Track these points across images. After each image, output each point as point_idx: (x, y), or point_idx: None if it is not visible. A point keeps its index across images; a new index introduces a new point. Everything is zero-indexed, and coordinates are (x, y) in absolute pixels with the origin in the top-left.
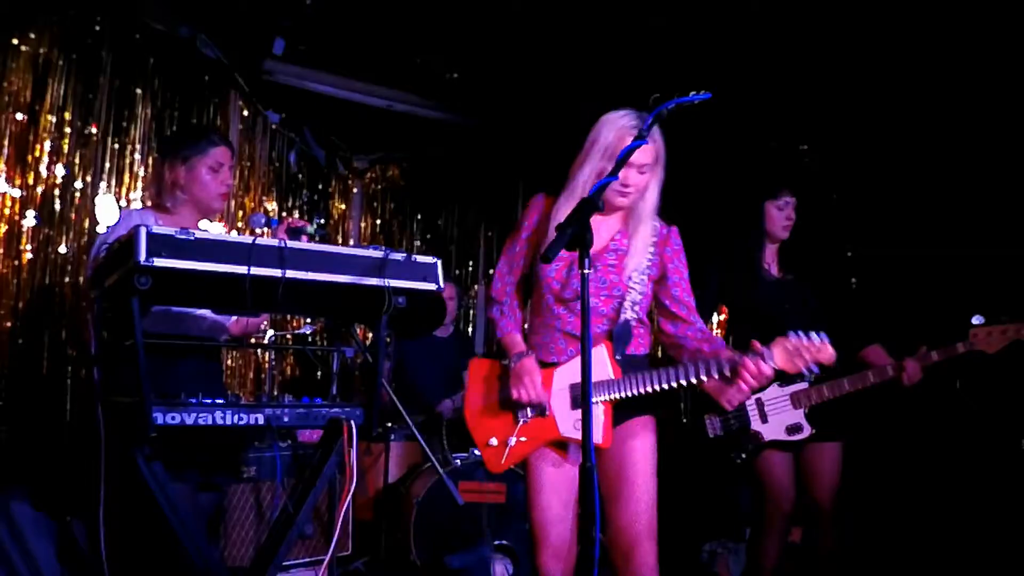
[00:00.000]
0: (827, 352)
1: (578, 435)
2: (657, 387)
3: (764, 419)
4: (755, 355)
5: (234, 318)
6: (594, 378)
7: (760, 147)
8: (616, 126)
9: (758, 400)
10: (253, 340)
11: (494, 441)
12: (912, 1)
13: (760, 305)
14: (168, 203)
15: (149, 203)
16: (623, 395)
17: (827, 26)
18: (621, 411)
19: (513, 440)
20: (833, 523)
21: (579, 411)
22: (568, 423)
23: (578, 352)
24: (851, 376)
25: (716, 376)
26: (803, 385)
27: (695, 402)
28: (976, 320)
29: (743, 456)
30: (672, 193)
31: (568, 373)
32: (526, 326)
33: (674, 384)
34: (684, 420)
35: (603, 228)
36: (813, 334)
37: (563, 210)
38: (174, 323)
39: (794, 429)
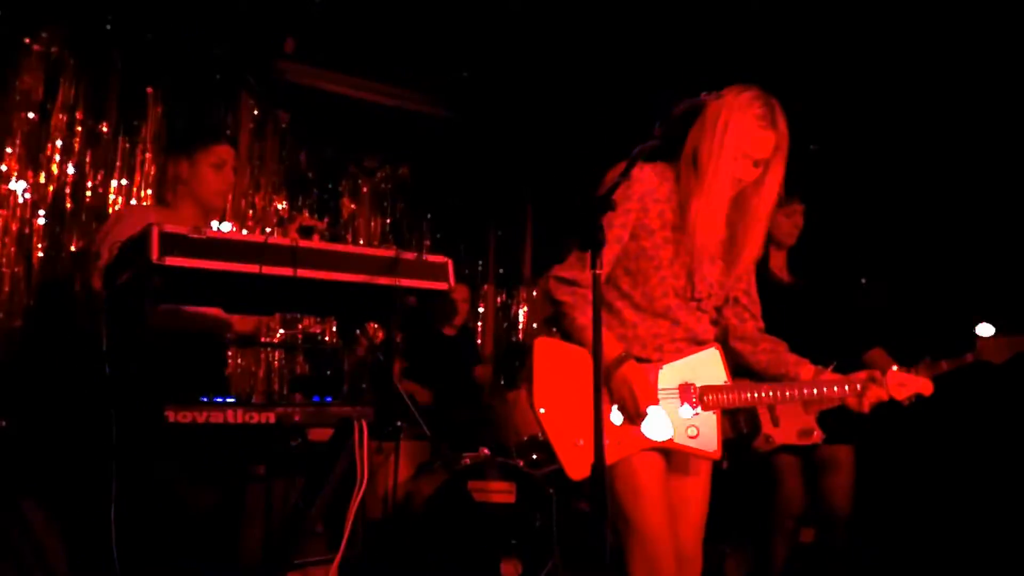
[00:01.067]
0: (928, 387)
1: (692, 443)
2: (776, 399)
3: (775, 422)
4: (879, 382)
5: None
6: (710, 380)
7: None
8: (744, 117)
9: (769, 404)
10: (264, 339)
11: (583, 442)
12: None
13: (769, 312)
14: (169, 197)
15: (147, 202)
16: (740, 405)
17: (827, 25)
18: None
19: (609, 443)
20: (847, 526)
21: (693, 416)
22: (680, 429)
23: (689, 348)
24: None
25: (844, 396)
26: None
27: None
28: (982, 330)
29: (753, 460)
30: None
31: (678, 371)
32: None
33: (797, 397)
34: None
35: (719, 223)
36: (914, 369)
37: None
38: (183, 320)
39: (805, 433)
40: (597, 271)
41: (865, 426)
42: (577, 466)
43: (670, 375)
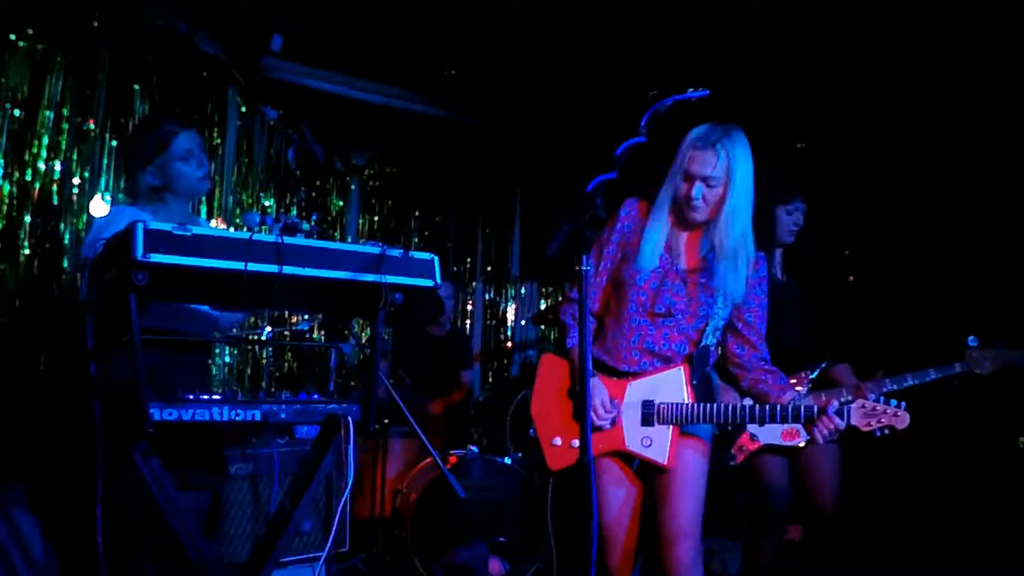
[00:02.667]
0: (903, 420)
1: (645, 452)
2: (727, 422)
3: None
4: (835, 410)
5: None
6: (668, 399)
7: (770, 148)
8: (687, 142)
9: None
10: (252, 336)
11: (558, 441)
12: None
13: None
14: (152, 205)
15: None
16: (694, 420)
17: (830, 25)
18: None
19: (576, 443)
20: (835, 525)
21: (649, 428)
22: (636, 438)
23: (657, 367)
24: (830, 390)
25: (792, 424)
26: (802, 391)
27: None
28: (971, 342)
29: (737, 459)
30: None
31: (643, 387)
32: (602, 328)
33: (748, 422)
34: None
35: (692, 246)
36: (893, 401)
37: (651, 224)
38: (172, 319)
39: (790, 434)
40: (585, 268)
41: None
42: (553, 460)
43: (636, 391)
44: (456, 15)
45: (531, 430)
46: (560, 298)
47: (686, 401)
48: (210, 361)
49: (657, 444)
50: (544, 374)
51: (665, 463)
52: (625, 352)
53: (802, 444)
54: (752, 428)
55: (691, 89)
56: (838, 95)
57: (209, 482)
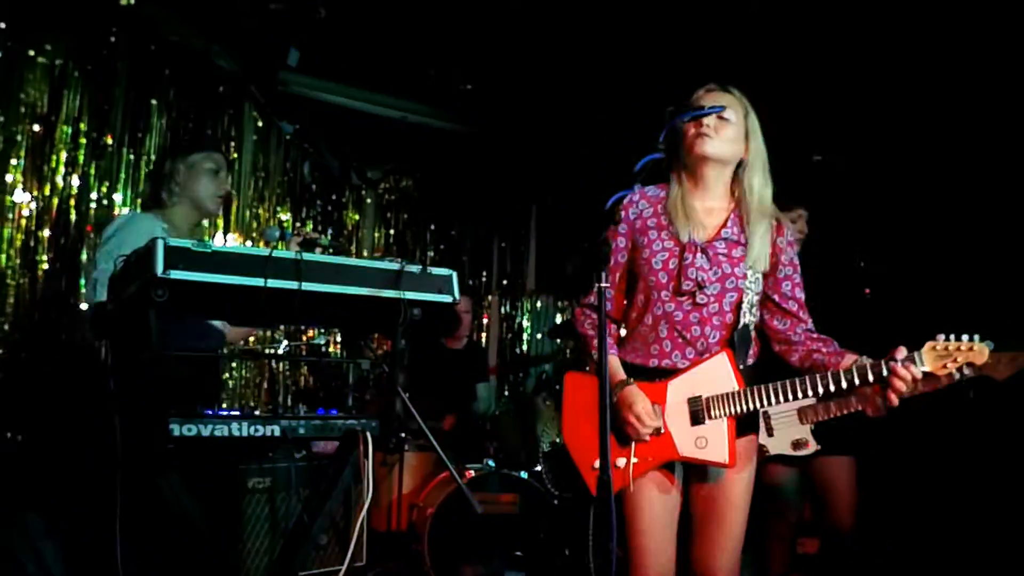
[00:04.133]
0: (982, 353)
1: (701, 454)
2: (792, 398)
3: (770, 432)
4: (905, 359)
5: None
6: (717, 390)
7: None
8: (693, 97)
9: (764, 413)
10: (268, 351)
11: (597, 465)
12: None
13: None
14: (163, 199)
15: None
16: (751, 407)
17: (840, 34)
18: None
19: (623, 462)
20: (853, 539)
21: (700, 427)
22: (688, 442)
23: (693, 359)
24: (859, 395)
25: (868, 382)
26: (810, 400)
27: None
28: (987, 346)
29: None
30: None
31: (685, 384)
32: (623, 332)
33: (819, 392)
34: None
35: (711, 215)
36: (965, 336)
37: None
38: (177, 332)
39: (799, 444)
40: (604, 285)
41: (867, 437)
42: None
43: (677, 389)
44: (471, 29)
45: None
46: (576, 313)
47: (736, 388)
48: (226, 375)
49: (713, 443)
50: (571, 395)
51: (727, 462)
52: (654, 344)
53: (811, 453)
54: (762, 439)
55: (708, 106)
56: (854, 106)
57: (227, 496)
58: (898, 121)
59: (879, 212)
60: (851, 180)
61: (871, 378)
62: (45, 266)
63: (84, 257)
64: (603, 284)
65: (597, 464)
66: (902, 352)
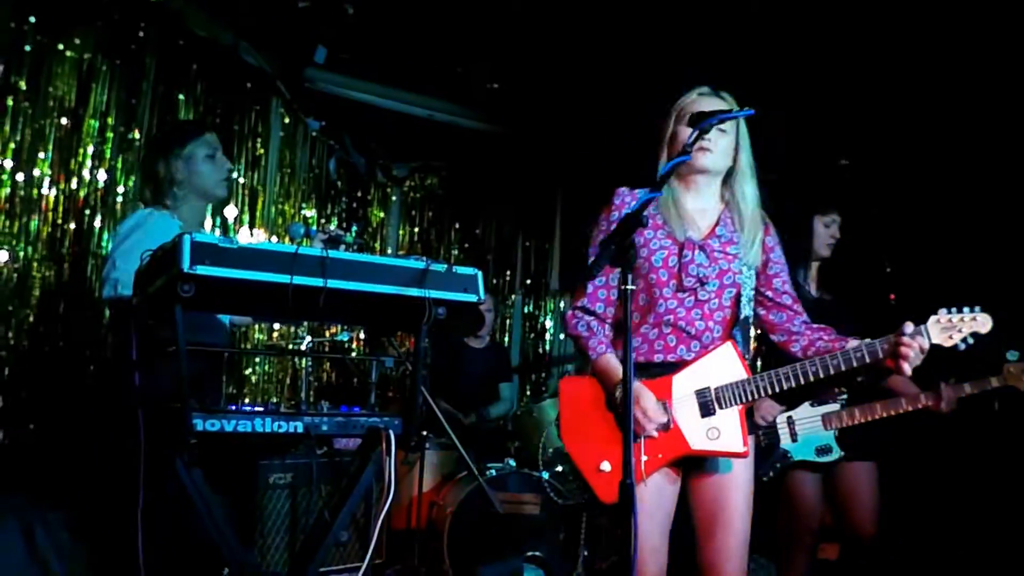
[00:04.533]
0: (985, 322)
1: (715, 447)
2: (803, 380)
3: (794, 438)
4: (913, 332)
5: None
6: (724, 380)
7: (807, 162)
8: (684, 97)
9: (789, 418)
10: (291, 347)
11: (607, 466)
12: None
13: None
14: (168, 200)
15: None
16: (762, 394)
17: (871, 41)
18: None
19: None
20: (874, 545)
21: (711, 419)
22: (700, 434)
23: (698, 352)
24: (883, 401)
25: (878, 358)
26: (835, 407)
27: None
28: (1010, 356)
29: (770, 474)
30: None
31: (691, 376)
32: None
33: (830, 373)
34: None
35: (703, 214)
36: (967, 308)
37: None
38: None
39: (823, 450)
40: (630, 287)
41: (888, 442)
42: (606, 490)
43: (684, 382)
44: (499, 27)
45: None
46: (567, 315)
47: (745, 376)
48: (249, 371)
49: (726, 433)
50: (568, 400)
51: (743, 451)
52: (658, 340)
53: (835, 459)
54: (786, 444)
55: (736, 108)
56: (881, 110)
57: (248, 492)
58: (923, 121)
59: (906, 216)
60: (878, 183)
61: (880, 354)
62: (70, 259)
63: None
64: (629, 287)
65: (602, 466)
66: (910, 327)
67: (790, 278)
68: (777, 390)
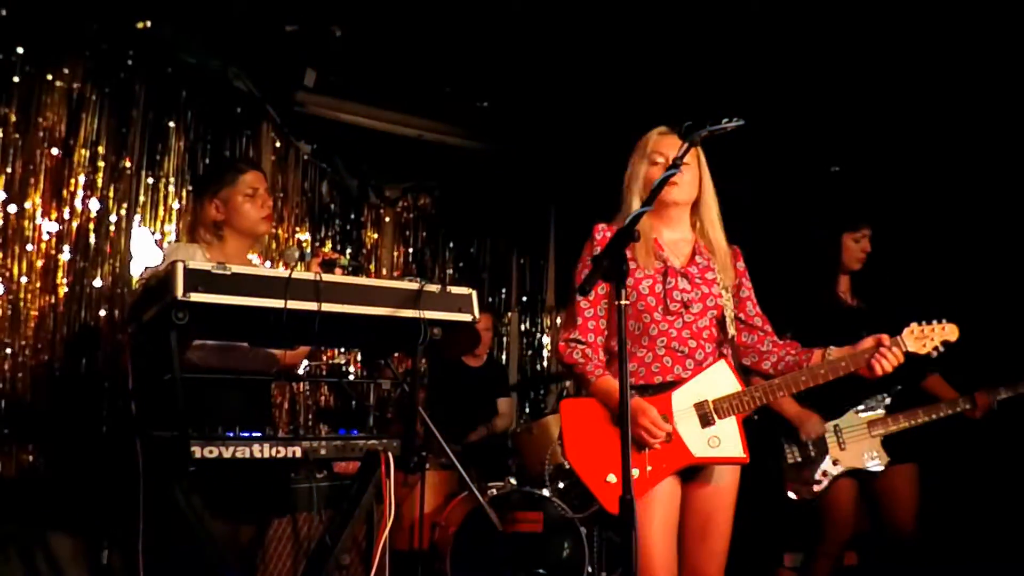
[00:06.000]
0: (952, 331)
1: (716, 453)
2: (796, 389)
3: (842, 446)
4: (892, 342)
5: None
6: (721, 392)
7: (821, 173)
8: (646, 138)
9: (836, 427)
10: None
11: (613, 478)
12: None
13: (836, 335)
14: (209, 238)
15: (186, 238)
16: (757, 404)
17: (861, 46)
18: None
19: (636, 472)
20: (914, 545)
21: (710, 428)
22: (701, 443)
23: (693, 369)
24: (925, 407)
25: (863, 361)
26: (880, 412)
27: (770, 420)
28: None
29: (823, 486)
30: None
31: (689, 392)
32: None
33: (813, 383)
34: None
35: (679, 244)
36: (935, 320)
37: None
38: (223, 356)
39: (871, 458)
40: (624, 302)
41: (930, 445)
42: (613, 500)
43: (683, 397)
44: (487, 46)
45: (577, 480)
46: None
47: (739, 388)
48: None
49: (727, 440)
50: (570, 420)
51: (743, 456)
52: (655, 362)
53: (884, 467)
54: (835, 453)
55: (726, 118)
56: (875, 117)
57: (249, 518)
58: (918, 126)
59: (944, 225)
60: (915, 194)
61: (842, 372)
62: (65, 289)
63: (99, 283)
64: (624, 301)
65: (609, 478)
66: (886, 339)
67: (825, 292)
68: (771, 400)
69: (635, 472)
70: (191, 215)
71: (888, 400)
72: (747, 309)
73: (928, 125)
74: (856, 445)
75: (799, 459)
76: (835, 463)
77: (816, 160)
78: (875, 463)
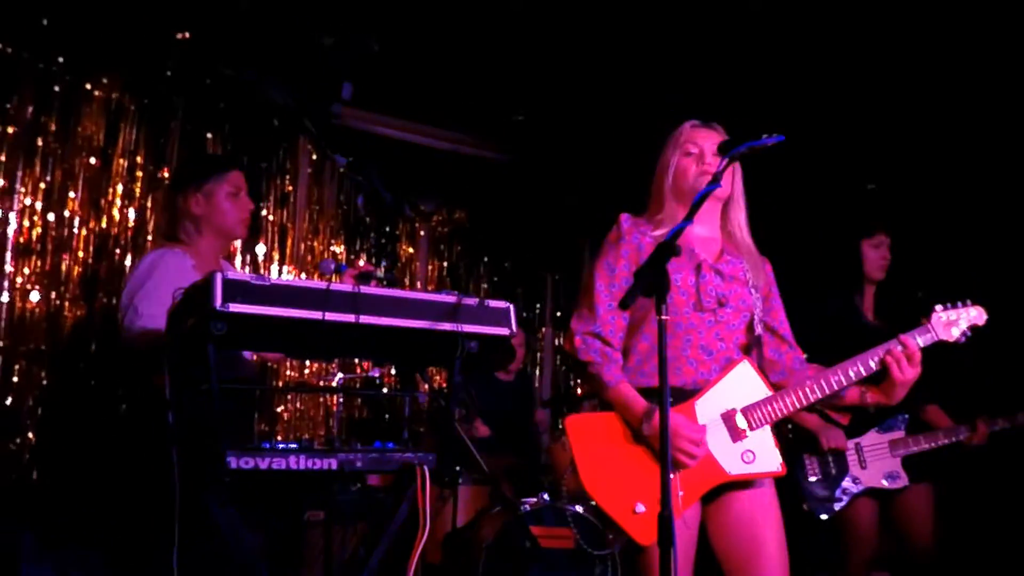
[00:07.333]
0: (981, 314)
1: (751, 469)
2: (828, 391)
3: (863, 465)
4: (920, 328)
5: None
6: (749, 399)
7: (845, 187)
8: (678, 140)
9: (857, 445)
10: (322, 383)
11: (642, 508)
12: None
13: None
14: (183, 235)
15: (163, 240)
16: (790, 409)
17: (894, 65)
18: None
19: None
20: (933, 567)
21: (743, 442)
22: (735, 459)
23: (716, 374)
24: (925, 434)
25: (874, 368)
26: (900, 433)
27: (791, 435)
28: None
29: (844, 502)
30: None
31: (714, 400)
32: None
33: (841, 381)
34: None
35: (708, 242)
36: (959, 302)
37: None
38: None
39: (891, 477)
40: (664, 317)
41: (947, 465)
42: (643, 531)
43: (707, 407)
44: (522, 60)
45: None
46: (577, 340)
47: (768, 393)
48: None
49: (762, 454)
50: (580, 441)
51: (781, 470)
52: (678, 363)
53: (902, 487)
54: (855, 471)
55: (765, 135)
56: (910, 135)
57: (284, 529)
58: (956, 142)
59: (939, 239)
60: (910, 207)
61: (876, 363)
62: (103, 299)
63: None
64: (664, 317)
65: (637, 508)
66: (912, 333)
67: (844, 307)
68: (803, 404)
69: (642, 508)
70: (169, 210)
71: (908, 419)
72: (777, 318)
73: (949, 139)
74: (877, 464)
75: (820, 476)
76: (855, 481)
77: (837, 173)
78: (896, 482)
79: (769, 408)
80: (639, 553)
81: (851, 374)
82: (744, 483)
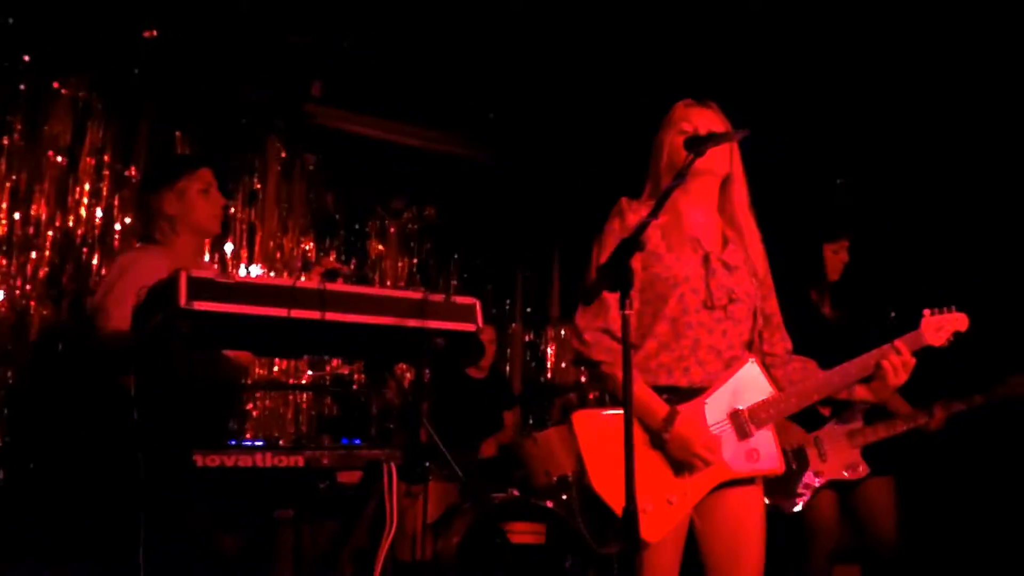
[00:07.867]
0: (963, 320)
1: (755, 467)
2: (823, 391)
3: (823, 458)
4: (910, 335)
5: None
6: (755, 398)
7: (811, 184)
8: (672, 119)
9: (816, 438)
10: (292, 381)
11: (649, 506)
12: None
13: (816, 347)
14: (158, 236)
15: (138, 242)
16: (795, 409)
17: (866, 59)
18: None
19: (674, 498)
20: (895, 560)
21: (748, 441)
22: (741, 458)
23: (722, 373)
24: (885, 422)
25: (872, 372)
26: (858, 423)
27: None
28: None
29: (806, 499)
30: None
31: (721, 400)
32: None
33: (843, 380)
34: None
35: (708, 228)
36: (944, 308)
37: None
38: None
39: (851, 467)
40: (627, 312)
41: (904, 456)
42: (651, 529)
43: (716, 407)
44: (494, 58)
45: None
46: (587, 336)
47: (774, 393)
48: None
49: (765, 453)
50: (588, 437)
51: (780, 468)
52: (685, 362)
53: (863, 476)
54: (816, 465)
55: (732, 130)
56: (877, 129)
57: (251, 527)
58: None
59: (920, 237)
60: (891, 205)
61: (901, 348)
62: (69, 297)
63: None
64: (627, 311)
65: (648, 508)
66: (903, 340)
67: (805, 306)
68: (808, 402)
69: (671, 501)
70: (142, 212)
71: (865, 408)
72: (771, 306)
73: (911, 136)
74: (837, 455)
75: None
76: (816, 475)
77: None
78: (856, 472)
79: (774, 408)
80: (643, 550)
81: (851, 377)
82: (738, 480)
